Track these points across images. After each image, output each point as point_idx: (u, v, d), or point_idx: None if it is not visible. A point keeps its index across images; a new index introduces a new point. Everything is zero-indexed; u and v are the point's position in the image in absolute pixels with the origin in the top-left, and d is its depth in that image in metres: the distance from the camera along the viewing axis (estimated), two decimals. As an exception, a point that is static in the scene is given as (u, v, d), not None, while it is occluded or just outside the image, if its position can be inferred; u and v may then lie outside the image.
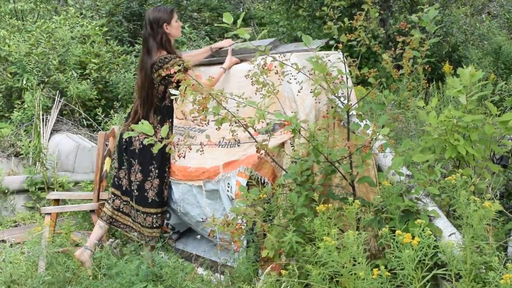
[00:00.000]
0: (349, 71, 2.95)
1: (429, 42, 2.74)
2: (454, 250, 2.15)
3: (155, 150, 2.67)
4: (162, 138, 2.64)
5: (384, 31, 8.60)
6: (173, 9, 3.61)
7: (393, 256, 2.02)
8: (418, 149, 2.72)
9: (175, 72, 3.32)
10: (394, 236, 2.01)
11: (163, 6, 3.68)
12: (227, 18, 2.63)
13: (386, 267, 2.10)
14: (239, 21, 2.63)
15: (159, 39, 3.52)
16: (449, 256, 2.06)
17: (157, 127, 3.51)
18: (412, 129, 4.97)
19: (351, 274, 2.15)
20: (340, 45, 2.83)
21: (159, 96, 3.55)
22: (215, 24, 9.00)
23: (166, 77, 3.46)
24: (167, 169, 3.57)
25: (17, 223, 4.79)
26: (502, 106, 4.87)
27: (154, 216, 3.54)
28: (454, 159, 2.77)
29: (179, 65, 3.35)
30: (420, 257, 1.96)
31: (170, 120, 3.64)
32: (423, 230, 2.00)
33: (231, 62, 3.70)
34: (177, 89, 3.10)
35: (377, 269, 2.02)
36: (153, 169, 3.53)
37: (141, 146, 3.53)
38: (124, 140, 3.62)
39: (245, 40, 2.78)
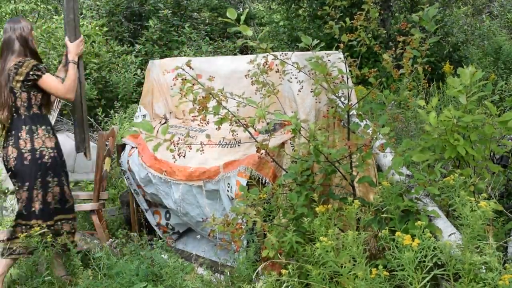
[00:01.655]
0: (350, 71, 2.95)
1: (429, 41, 2.74)
2: (453, 250, 2.16)
3: (154, 150, 2.66)
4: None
5: (385, 31, 8.60)
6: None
7: (393, 257, 2.03)
8: (418, 149, 2.72)
9: (31, 74, 3.19)
10: (394, 237, 2.01)
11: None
12: (231, 14, 2.61)
13: (385, 267, 2.11)
14: (243, 17, 2.62)
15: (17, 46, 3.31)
16: (448, 256, 2.06)
17: (26, 139, 3.24)
18: (412, 129, 4.97)
19: (351, 274, 2.16)
20: (341, 45, 2.83)
21: (24, 105, 3.26)
22: (216, 23, 9.00)
23: (24, 82, 3.23)
24: (37, 182, 3.26)
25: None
26: (502, 106, 4.87)
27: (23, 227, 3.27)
28: (454, 159, 2.77)
29: (36, 65, 3.22)
30: (420, 259, 1.97)
31: (45, 127, 3.33)
32: (423, 231, 2.00)
33: (75, 50, 3.55)
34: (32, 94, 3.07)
35: (375, 269, 2.02)
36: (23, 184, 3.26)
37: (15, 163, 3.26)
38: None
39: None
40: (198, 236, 3.65)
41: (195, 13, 10.51)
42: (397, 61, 2.81)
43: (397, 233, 2.01)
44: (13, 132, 3.26)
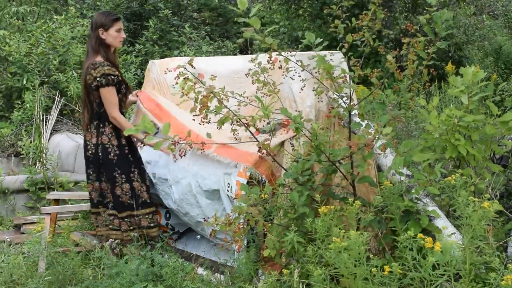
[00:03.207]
0: (352, 71, 2.94)
1: (437, 45, 2.72)
2: (454, 250, 2.15)
3: (156, 148, 2.66)
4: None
5: (391, 32, 8.59)
6: (117, 18, 3.48)
7: (412, 259, 2.03)
8: (418, 149, 2.72)
9: (96, 83, 3.31)
10: (415, 239, 2.02)
11: (110, 12, 3.58)
12: (242, 4, 2.59)
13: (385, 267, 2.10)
14: (254, 10, 2.59)
15: (93, 43, 3.45)
16: (448, 256, 2.06)
17: (93, 133, 3.44)
18: (413, 129, 4.97)
19: (351, 274, 2.15)
20: (346, 45, 2.82)
21: (96, 101, 3.42)
22: (216, 23, 9.00)
23: (92, 83, 3.36)
24: (133, 170, 3.49)
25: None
26: (502, 106, 4.87)
27: (139, 217, 3.49)
28: (455, 159, 2.76)
29: (102, 74, 3.31)
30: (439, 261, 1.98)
31: (113, 126, 3.44)
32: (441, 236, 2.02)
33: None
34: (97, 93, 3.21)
35: (375, 269, 2.02)
36: (117, 176, 3.44)
37: (94, 154, 3.45)
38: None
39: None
40: (198, 236, 3.64)
41: (195, 13, 10.51)
42: (400, 62, 2.80)
43: (419, 235, 2.01)
44: (89, 125, 3.48)
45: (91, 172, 3.51)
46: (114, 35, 3.46)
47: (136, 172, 3.50)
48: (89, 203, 3.89)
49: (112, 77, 3.37)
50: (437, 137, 2.66)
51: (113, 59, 3.49)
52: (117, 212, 3.48)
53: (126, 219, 3.47)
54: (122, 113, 3.51)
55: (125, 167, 3.46)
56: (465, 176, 2.44)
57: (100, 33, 3.44)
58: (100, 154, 3.44)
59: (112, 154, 3.43)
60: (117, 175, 3.44)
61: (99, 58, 3.39)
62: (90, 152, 3.48)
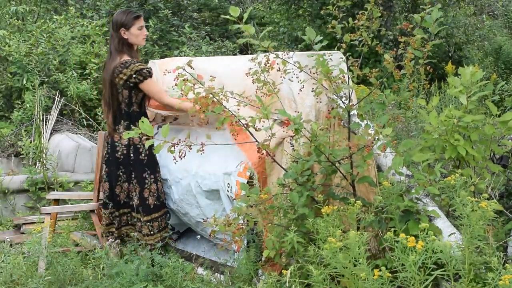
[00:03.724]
0: (351, 71, 2.95)
1: (431, 43, 2.73)
2: (453, 250, 2.15)
3: (156, 151, 2.66)
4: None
5: (389, 32, 8.60)
6: (138, 16, 3.46)
7: (396, 258, 2.02)
8: (418, 149, 2.72)
9: (135, 79, 3.33)
10: (398, 239, 2.01)
11: (130, 10, 3.55)
12: (234, 12, 2.61)
13: (386, 267, 2.10)
14: (246, 16, 2.61)
15: (116, 43, 3.42)
16: (448, 256, 2.06)
17: (122, 133, 3.39)
18: (413, 129, 4.97)
19: (352, 274, 2.15)
20: (343, 45, 2.83)
21: (125, 101, 3.42)
22: (216, 23, 9.00)
23: (127, 81, 3.36)
24: (158, 170, 3.53)
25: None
26: (502, 106, 4.87)
27: (159, 219, 3.51)
28: (454, 159, 2.77)
29: (140, 70, 3.33)
30: (423, 260, 1.97)
31: None
32: (427, 233, 2.00)
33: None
34: (133, 92, 3.23)
35: (377, 269, 2.02)
36: (147, 176, 3.46)
37: (125, 154, 3.45)
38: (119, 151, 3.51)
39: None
40: (198, 236, 3.65)
41: (195, 13, 10.51)
42: (398, 61, 2.81)
43: (401, 235, 2.00)
44: (116, 126, 3.46)
45: (121, 174, 3.49)
46: (137, 33, 3.45)
47: (160, 172, 3.54)
48: (89, 203, 3.90)
49: (146, 70, 3.38)
50: (437, 137, 2.66)
51: (137, 58, 3.50)
52: (143, 215, 3.46)
53: (148, 223, 3.46)
54: (145, 111, 3.54)
55: (154, 167, 3.48)
56: (465, 176, 2.44)
57: (122, 33, 3.42)
58: (131, 154, 3.44)
59: (143, 155, 3.43)
60: (147, 176, 3.45)
61: (126, 57, 3.39)
62: (119, 153, 3.46)
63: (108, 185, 3.54)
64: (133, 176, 3.46)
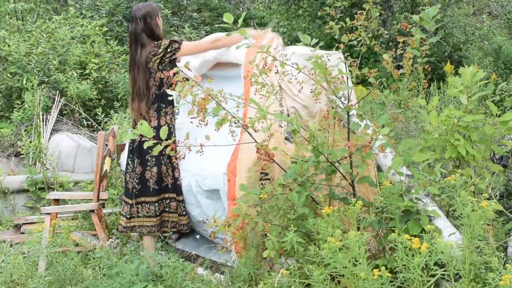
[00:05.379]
0: (350, 71, 2.95)
1: (428, 41, 2.74)
2: (453, 250, 2.15)
3: (155, 152, 2.66)
4: (159, 139, 2.63)
5: (386, 32, 8.60)
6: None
7: (398, 259, 2.03)
8: (418, 149, 2.72)
9: (170, 52, 3.42)
10: (401, 240, 2.01)
11: (149, 2, 3.66)
12: (227, 18, 2.63)
13: (386, 267, 2.10)
14: (240, 21, 2.63)
15: (153, 32, 3.50)
16: (448, 256, 2.06)
17: (154, 116, 3.46)
18: (413, 129, 4.97)
19: (352, 274, 2.15)
20: (342, 45, 2.83)
21: (156, 84, 3.48)
22: (216, 25, 9.00)
23: (163, 58, 3.44)
24: (164, 154, 3.46)
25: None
26: (502, 106, 4.87)
27: (156, 204, 3.49)
28: (454, 159, 2.77)
29: (170, 41, 3.43)
30: (426, 262, 1.97)
31: (171, 106, 3.51)
32: (432, 235, 2.01)
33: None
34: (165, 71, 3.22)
35: (377, 269, 2.02)
36: (149, 158, 3.46)
37: (154, 137, 3.47)
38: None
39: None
40: (198, 236, 3.65)
41: (195, 13, 10.51)
42: (397, 61, 2.81)
43: (405, 236, 2.01)
44: (148, 112, 3.46)
45: (149, 158, 3.47)
46: (160, 20, 3.61)
47: None
48: (89, 203, 3.90)
49: (175, 39, 3.50)
50: (437, 137, 2.66)
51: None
52: (177, 194, 3.50)
53: (181, 204, 3.51)
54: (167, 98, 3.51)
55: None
56: (465, 176, 2.44)
57: (158, 20, 3.55)
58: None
59: (173, 135, 3.47)
60: None
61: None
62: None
63: (157, 169, 3.49)
64: (164, 156, 3.46)
